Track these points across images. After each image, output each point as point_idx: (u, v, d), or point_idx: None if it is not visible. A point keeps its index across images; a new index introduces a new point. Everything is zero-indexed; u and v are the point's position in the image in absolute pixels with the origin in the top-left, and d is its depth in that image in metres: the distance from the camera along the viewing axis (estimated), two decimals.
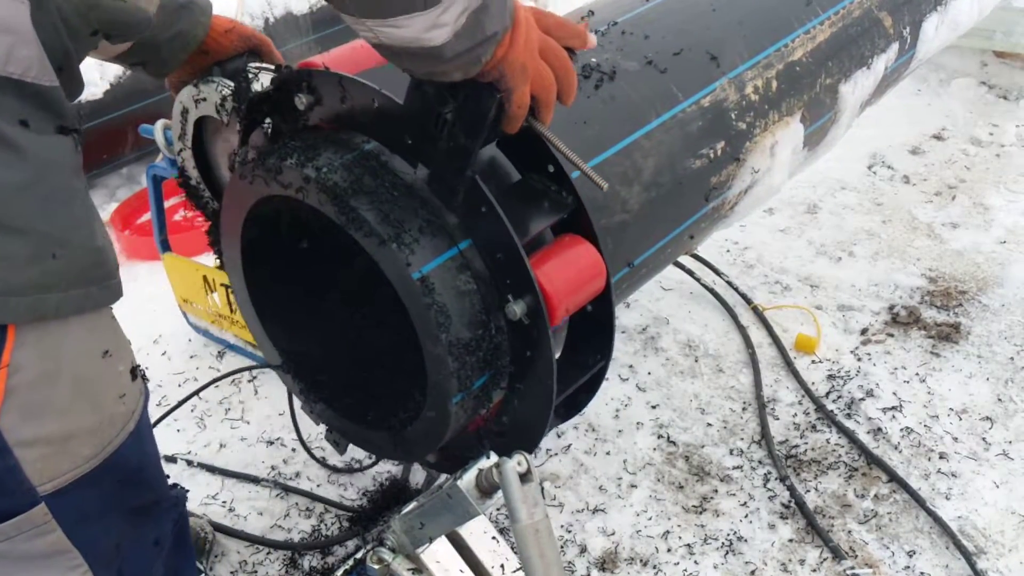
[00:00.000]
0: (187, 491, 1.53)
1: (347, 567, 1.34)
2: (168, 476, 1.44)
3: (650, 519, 2.30)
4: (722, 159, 1.88)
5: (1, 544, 1.07)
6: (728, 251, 3.36)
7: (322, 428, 1.88)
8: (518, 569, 1.33)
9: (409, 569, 1.22)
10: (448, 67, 1.16)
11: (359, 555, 1.31)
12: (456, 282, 1.40)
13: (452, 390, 1.45)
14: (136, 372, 1.24)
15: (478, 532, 1.35)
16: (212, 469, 2.51)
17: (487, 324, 1.44)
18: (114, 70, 3.73)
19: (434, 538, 1.25)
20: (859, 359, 2.79)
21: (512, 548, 1.37)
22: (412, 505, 1.24)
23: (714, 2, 2.01)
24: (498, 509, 2.24)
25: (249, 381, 2.83)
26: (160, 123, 2.47)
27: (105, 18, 1.35)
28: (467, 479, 1.13)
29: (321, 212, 1.42)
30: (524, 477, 1.04)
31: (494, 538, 1.35)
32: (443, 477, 1.51)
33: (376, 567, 1.24)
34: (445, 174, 1.37)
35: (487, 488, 1.11)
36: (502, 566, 1.33)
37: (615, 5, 1.96)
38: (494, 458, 1.11)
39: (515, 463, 1.04)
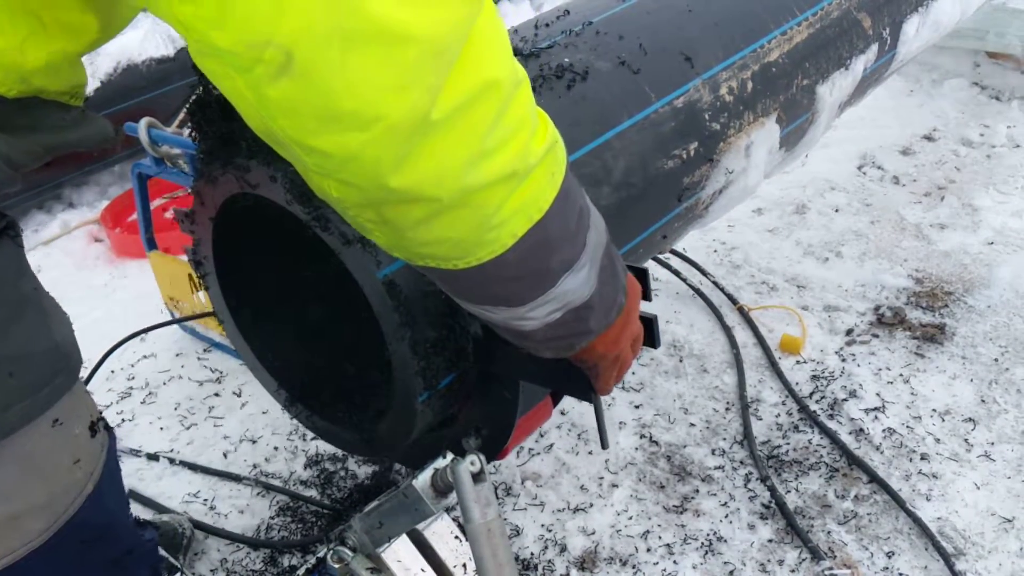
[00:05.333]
0: (156, 539, 1.48)
1: (309, 566, 1.35)
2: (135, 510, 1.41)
3: (631, 519, 2.30)
4: (695, 160, 1.88)
5: None
6: (715, 251, 3.36)
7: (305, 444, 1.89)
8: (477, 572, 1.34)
9: (368, 568, 1.23)
10: (539, 347, 1.15)
11: (320, 554, 1.32)
12: (421, 283, 1.40)
13: (418, 389, 1.46)
14: (95, 427, 1.19)
15: (442, 532, 1.35)
16: (194, 467, 2.52)
17: (452, 325, 1.45)
18: (104, 68, 3.74)
19: (393, 537, 1.26)
20: (843, 360, 2.79)
21: None
22: (372, 505, 1.25)
23: (690, 3, 2.01)
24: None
25: (234, 372, 2.84)
26: (144, 121, 2.48)
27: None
28: (423, 479, 1.14)
29: (288, 211, 1.43)
30: (477, 477, 1.04)
31: (457, 538, 1.36)
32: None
33: (336, 566, 1.24)
34: None
35: (442, 488, 1.12)
36: (464, 565, 1.34)
37: (590, 5, 1.97)
38: (449, 457, 1.11)
39: (468, 463, 1.04)
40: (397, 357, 1.45)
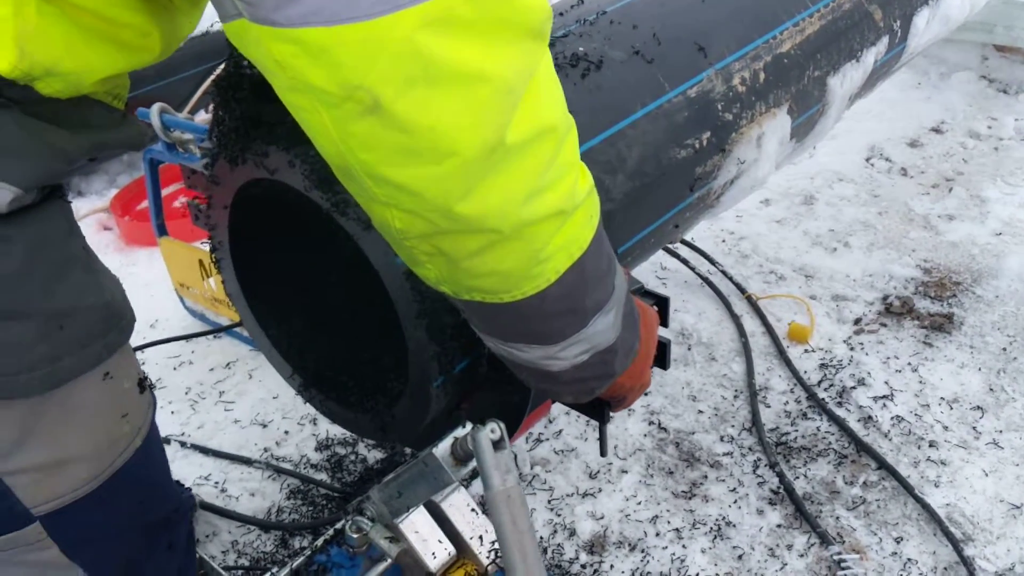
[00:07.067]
0: (195, 496, 1.51)
1: (327, 536, 1.36)
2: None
3: (639, 504, 2.32)
4: (708, 149, 1.90)
5: None
6: (723, 241, 3.38)
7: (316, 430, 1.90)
8: (496, 540, 1.36)
9: (387, 538, 1.25)
10: (562, 390, 1.22)
11: (339, 525, 1.34)
12: None
13: (433, 373, 1.48)
14: (143, 384, 1.23)
15: (458, 504, 1.37)
16: (205, 450, 2.55)
17: None
18: None
19: (412, 507, 1.27)
20: (852, 348, 2.81)
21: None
22: (390, 476, 1.26)
23: None
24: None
25: (245, 358, 2.86)
26: (157, 106, 2.49)
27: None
28: (442, 447, 1.15)
29: (307, 197, 1.44)
30: (497, 444, 1.05)
31: (473, 510, 1.38)
32: None
33: (355, 536, 1.26)
34: None
35: (462, 456, 1.14)
36: (480, 537, 1.36)
37: None
38: (469, 427, 1.13)
39: (488, 431, 1.05)
40: (414, 342, 1.46)
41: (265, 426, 2.64)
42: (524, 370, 1.19)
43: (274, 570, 1.41)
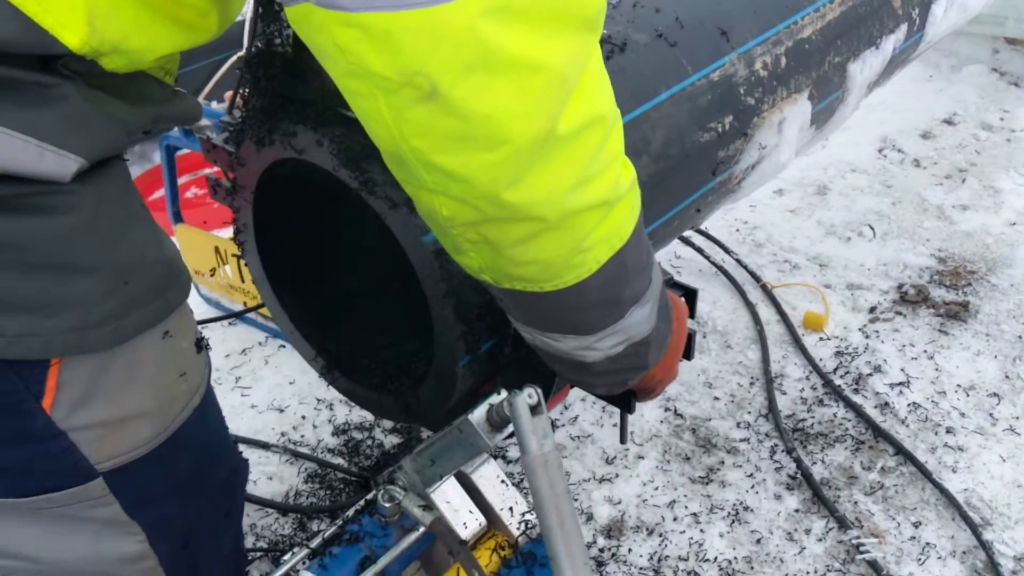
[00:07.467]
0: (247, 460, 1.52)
1: (358, 507, 1.37)
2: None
3: (656, 489, 2.33)
4: (730, 133, 1.90)
5: (59, 509, 1.09)
6: (737, 230, 3.39)
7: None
8: (526, 512, 1.37)
9: (420, 506, 1.25)
10: (595, 381, 1.25)
11: (369, 496, 1.34)
12: None
13: (459, 352, 1.48)
14: (200, 344, 1.23)
15: (489, 476, 1.38)
16: None
17: None
18: None
19: (444, 476, 1.28)
20: (867, 336, 2.82)
21: (521, 493, 1.40)
22: (422, 445, 1.27)
23: None
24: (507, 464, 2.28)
25: (261, 344, 2.87)
26: None
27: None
28: (478, 414, 1.16)
29: (334, 176, 1.45)
30: (535, 409, 1.06)
31: (503, 482, 1.38)
32: None
33: (387, 505, 1.26)
34: None
35: (498, 422, 1.14)
36: (511, 508, 1.37)
37: None
38: (504, 394, 1.13)
39: (525, 395, 1.05)
40: (440, 321, 1.47)
41: (282, 411, 2.65)
42: (558, 361, 1.20)
43: (307, 539, 1.41)
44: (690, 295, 1.58)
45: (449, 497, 1.33)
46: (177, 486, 1.20)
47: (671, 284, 1.58)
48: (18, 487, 1.06)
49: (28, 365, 0.97)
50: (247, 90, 1.50)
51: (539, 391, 1.06)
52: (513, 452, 2.40)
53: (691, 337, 1.45)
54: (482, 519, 1.34)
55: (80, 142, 0.94)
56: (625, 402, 1.45)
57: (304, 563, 1.30)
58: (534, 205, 0.91)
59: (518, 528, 1.36)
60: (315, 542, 1.31)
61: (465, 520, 1.33)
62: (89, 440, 1.05)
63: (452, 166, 0.87)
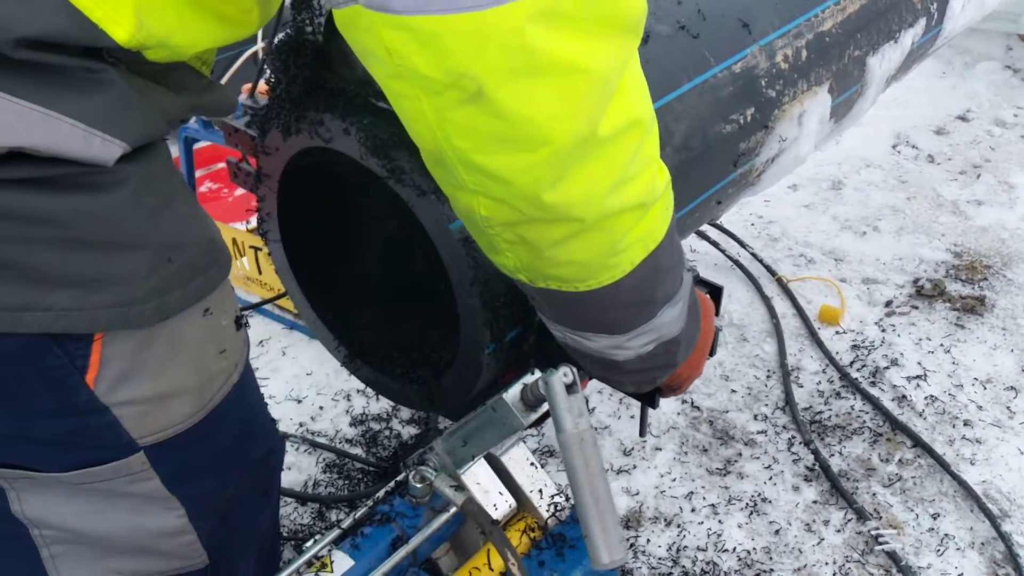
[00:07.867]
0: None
1: (388, 488, 1.38)
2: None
3: (674, 480, 2.35)
4: (751, 125, 1.91)
5: (100, 484, 1.11)
6: (752, 225, 3.40)
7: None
8: (555, 495, 1.38)
9: (452, 486, 1.26)
10: (624, 379, 1.26)
11: (400, 477, 1.35)
12: None
13: (485, 341, 1.49)
14: (240, 321, 1.24)
15: (518, 458, 1.39)
16: None
17: None
18: None
19: (476, 456, 1.29)
20: (883, 330, 2.83)
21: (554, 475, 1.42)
22: (455, 425, 1.28)
23: None
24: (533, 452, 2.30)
25: (279, 335, 2.89)
26: None
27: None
28: (512, 392, 1.16)
29: (357, 165, 1.46)
30: (570, 388, 1.06)
31: (532, 464, 1.39)
32: None
33: (419, 486, 1.27)
34: None
35: (532, 401, 1.15)
36: (540, 491, 1.38)
37: None
38: (538, 374, 1.14)
39: (561, 374, 1.06)
40: (466, 310, 1.48)
41: (299, 402, 2.67)
42: (589, 359, 1.22)
43: (339, 518, 1.42)
44: (716, 292, 1.59)
45: (479, 479, 1.34)
46: (216, 462, 1.22)
47: (697, 281, 1.59)
48: (61, 460, 1.08)
49: (73, 340, 0.98)
50: (274, 78, 1.51)
51: (574, 370, 1.06)
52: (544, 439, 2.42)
53: (716, 334, 1.46)
54: (512, 501, 1.36)
55: (125, 128, 0.95)
56: (650, 398, 1.46)
57: (335, 543, 1.31)
58: (572, 206, 0.93)
59: (547, 510, 1.37)
60: (347, 522, 1.32)
61: (495, 502, 1.34)
62: (131, 415, 1.07)
63: (493, 166, 0.88)
